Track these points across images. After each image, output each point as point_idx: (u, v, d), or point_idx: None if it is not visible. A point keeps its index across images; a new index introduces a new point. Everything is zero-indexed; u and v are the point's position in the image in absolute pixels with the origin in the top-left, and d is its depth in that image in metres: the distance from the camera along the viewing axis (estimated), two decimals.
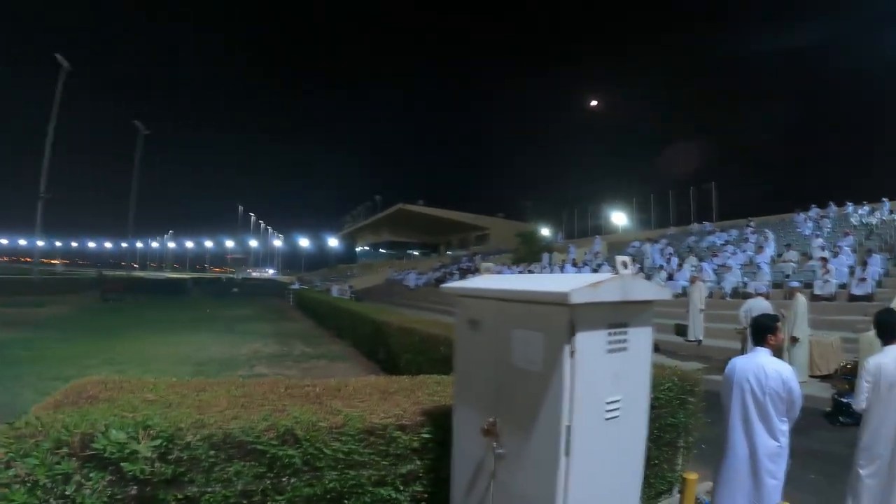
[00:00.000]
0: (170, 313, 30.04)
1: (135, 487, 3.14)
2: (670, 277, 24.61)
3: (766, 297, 15.04)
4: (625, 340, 2.91)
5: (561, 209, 59.57)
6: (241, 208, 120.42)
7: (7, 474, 2.84)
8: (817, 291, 18.32)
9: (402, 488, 3.87)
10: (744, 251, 26.01)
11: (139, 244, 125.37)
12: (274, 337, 20.61)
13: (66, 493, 2.95)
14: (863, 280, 17.62)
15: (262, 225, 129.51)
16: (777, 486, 4.53)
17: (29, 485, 2.86)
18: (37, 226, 51.17)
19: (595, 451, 2.82)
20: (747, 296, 15.60)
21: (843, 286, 18.49)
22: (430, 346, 9.46)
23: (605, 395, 2.84)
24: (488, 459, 3.21)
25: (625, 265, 2.87)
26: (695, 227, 38.51)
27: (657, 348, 17.19)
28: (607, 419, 2.86)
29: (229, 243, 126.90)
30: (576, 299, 2.58)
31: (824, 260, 19.01)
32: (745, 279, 21.41)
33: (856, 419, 5.34)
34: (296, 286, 52.87)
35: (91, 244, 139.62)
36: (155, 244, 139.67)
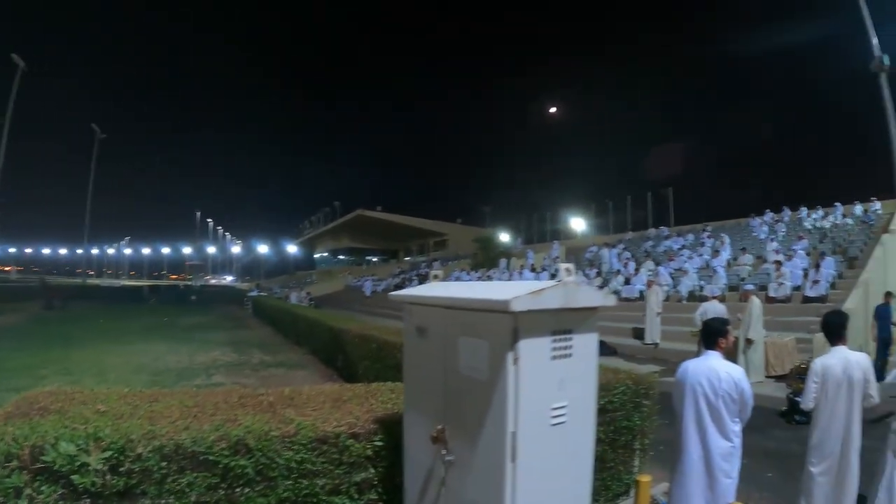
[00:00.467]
0: (126, 322, 29.37)
1: (87, 500, 3.11)
2: (627, 282, 25.00)
3: (721, 300, 15.33)
4: (569, 347, 2.92)
5: (520, 215, 60.04)
6: (198, 214, 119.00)
7: None
8: (772, 294, 18.70)
9: (356, 497, 3.86)
10: (700, 255, 26.49)
11: (95, 250, 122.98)
12: (232, 345, 20.34)
13: None
14: (816, 282, 18.00)
15: (221, 231, 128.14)
16: (731, 484, 4.62)
17: None
18: None
19: (542, 456, 2.83)
20: (703, 299, 15.86)
21: (797, 288, 18.91)
22: (388, 353, 9.42)
23: (551, 400, 2.85)
24: (438, 466, 3.22)
25: (568, 272, 2.89)
26: (652, 231, 38.98)
27: (615, 352, 17.39)
28: (553, 424, 2.87)
29: (187, 250, 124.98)
30: (517, 307, 2.60)
31: (778, 263, 19.40)
32: (702, 283, 21.79)
33: (810, 418, 5.45)
34: (254, 293, 52.15)
35: (45, 250, 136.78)
36: (111, 250, 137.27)
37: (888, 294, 14.31)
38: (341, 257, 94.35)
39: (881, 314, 13.73)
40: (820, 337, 10.10)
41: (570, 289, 2.85)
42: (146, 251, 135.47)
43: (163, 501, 3.28)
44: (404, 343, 3.81)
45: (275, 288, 68.86)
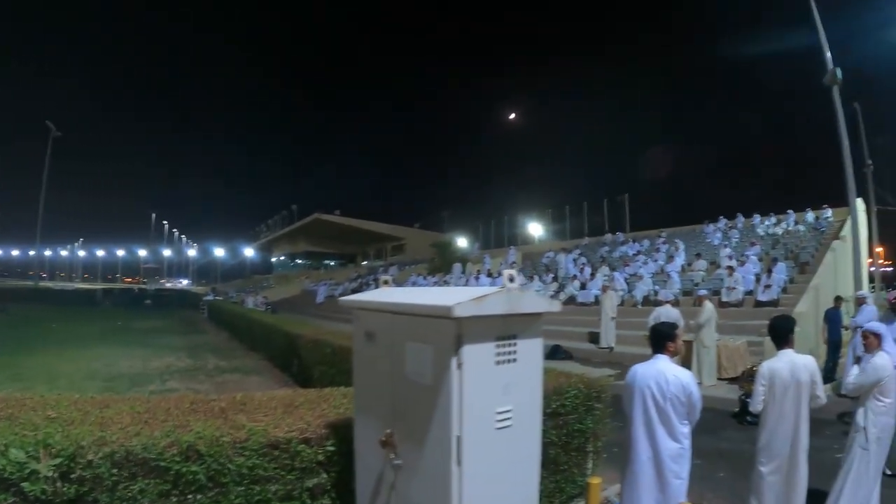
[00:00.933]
0: (79, 326, 28.76)
1: None
2: (583, 287, 25.25)
3: (674, 304, 15.53)
4: (514, 352, 2.96)
5: (478, 220, 60.05)
6: (154, 216, 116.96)
7: None
8: (725, 298, 19.14)
9: (309, 502, 3.84)
10: (655, 261, 26.93)
11: (48, 252, 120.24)
12: (187, 350, 20.05)
13: None
14: (768, 287, 18.48)
15: (177, 234, 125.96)
16: (681, 485, 4.68)
17: None
18: None
19: (487, 459, 2.86)
20: (658, 304, 16.06)
21: (749, 293, 19.39)
22: (342, 357, 9.34)
23: (496, 405, 2.89)
24: (388, 471, 3.23)
25: (511, 279, 2.94)
26: (608, 237, 39.46)
27: (570, 356, 17.53)
28: (499, 428, 2.90)
29: (142, 252, 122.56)
30: (460, 313, 2.63)
31: (731, 269, 19.81)
32: (656, 287, 22.14)
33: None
34: (210, 297, 51.57)
35: None
36: (64, 252, 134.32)
37: (838, 298, 14.78)
38: (299, 261, 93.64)
39: (831, 318, 14.14)
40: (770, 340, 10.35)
41: (513, 295, 2.90)
42: (100, 253, 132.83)
43: None
44: (354, 348, 3.82)
45: (230, 292, 68.04)
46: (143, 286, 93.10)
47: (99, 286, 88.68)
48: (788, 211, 30.39)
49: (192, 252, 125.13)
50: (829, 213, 28.41)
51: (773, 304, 18.04)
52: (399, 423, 3.19)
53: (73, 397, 4.70)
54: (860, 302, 13.23)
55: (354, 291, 36.06)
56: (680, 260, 25.75)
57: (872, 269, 33.35)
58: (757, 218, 31.23)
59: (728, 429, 10.11)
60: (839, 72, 17.48)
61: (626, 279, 24.38)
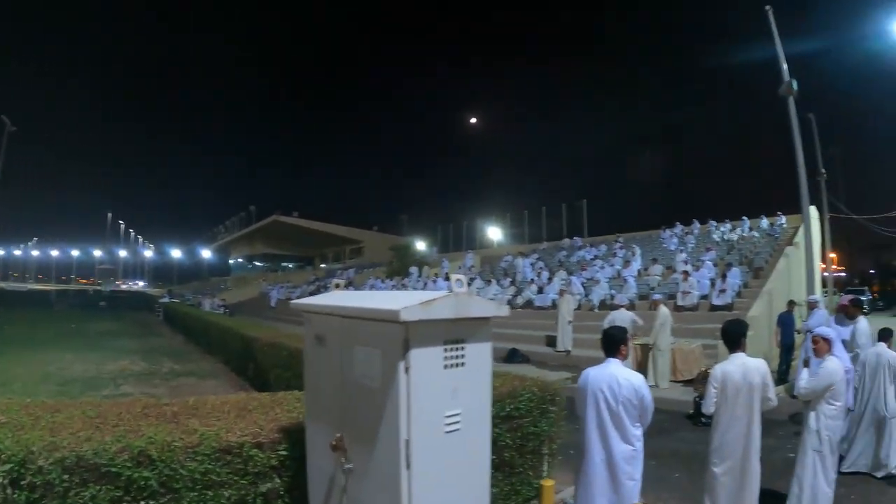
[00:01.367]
0: (32, 328, 28.18)
1: None
2: (541, 291, 25.37)
3: (630, 308, 15.70)
4: (462, 356, 3.00)
5: (436, 223, 60.04)
6: (110, 216, 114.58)
7: None
8: (680, 303, 19.45)
9: None
10: (612, 265, 27.20)
11: (0, 252, 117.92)
12: (142, 354, 19.73)
13: None
14: (723, 291, 18.80)
15: (133, 234, 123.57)
16: (635, 486, 4.74)
17: None
18: None
19: (437, 463, 2.89)
20: (614, 308, 16.21)
21: (704, 297, 19.68)
22: (298, 361, 9.24)
23: (444, 409, 2.92)
24: (339, 475, 3.23)
25: (459, 283, 2.97)
26: (566, 242, 39.62)
27: (527, 359, 17.63)
28: (447, 432, 2.94)
29: (97, 253, 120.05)
30: (406, 317, 2.66)
31: (686, 273, 20.07)
32: (613, 292, 22.30)
33: None
34: (166, 299, 50.87)
35: None
36: (18, 252, 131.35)
37: (791, 303, 15.18)
38: (257, 263, 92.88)
39: (784, 322, 14.48)
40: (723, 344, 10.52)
41: (461, 300, 2.93)
42: (55, 253, 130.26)
43: None
44: (304, 352, 3.82)
45: (187, 294, 67.18)
46: (99, 287, 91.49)
47: (53, 287, 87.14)
48: (743, 217, 31.03)
49: (148, 253, 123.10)
50: (783, 220, 29.03)
51: (728, 308, 18.37)
52: (349, 427, 3.19)
53: (23, 402, 4.63)
54: (812, 306, 13.56)
55: (312, 294, 35.92)
56: (636, 265, 26.03)
57: (826, 274, 34.18)
58: (713, 224, 31.86)
59: (683, 430, 10.28)
60: (795, 83, 17.78)
61: (583, 283, 24.55)
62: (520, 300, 25.89)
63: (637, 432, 4.76)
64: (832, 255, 41.55)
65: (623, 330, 5.22)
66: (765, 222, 29.63)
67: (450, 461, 2.98)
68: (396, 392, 2.75)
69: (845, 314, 10.39)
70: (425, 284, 33.36)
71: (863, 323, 9.23)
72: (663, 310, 14.14)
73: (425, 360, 2.83)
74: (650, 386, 12.86)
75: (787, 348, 14.29)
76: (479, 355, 3.12)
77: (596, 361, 4.97)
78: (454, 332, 2.97)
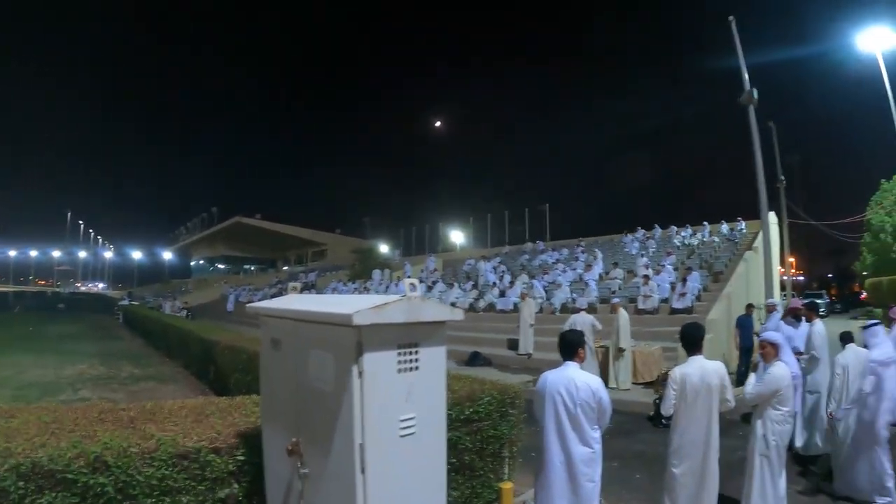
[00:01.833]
0: None
1: None
2: (503, 294, 25.54)
3: (591, 311, 15.87)
4: (416, 360, 3.03)
5: (399, 226, 60.12)
6: (69, 215, 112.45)
7: None
8: (641, 306, 19.77)
9: None
10: (574, 269, 27.53)
11: None
12: (101, 357, 19.34)
13: None
14: (683, 295, 19.13)
15: (93, 234, 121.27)
16: (594, 488, 4.79)
17: None
18: None
19: (392, 467, 2.91)
20: (576, 311, 16.31)
21: (665, 301, 20.00)
22: (258, 365, 9.25)
23: (398, 412, 2.94)
24: (296, 480, 3.23)
25: (413, 287, 3.01)
26: (528, 246, 40.05)
27: (489, 362, 17.70)
28: (402, 436, 2.96)
29: (56, 253, 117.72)
30: (359, 321, 2.68)
31: (647, 277, 20.40)
32: (574, 295, 22.49)
33: None
34: (125, 302, 50.22)
35: None
36: None
37: (749, 306, 15.52)
38: (219, 266, 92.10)
39: (743, 324, 14.74)
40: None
41: (414, 303, 2.96)
42: (12, 253, 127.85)
43: None
44: (261, 355, 3.86)
45: (147, 296, 66.43)
46: (58, 289, 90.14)
47: (10, 288, 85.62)
48: (704, 223, 31.76)
49: (108, 254, 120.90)
50: (742, 225, 29.71)
51: (688, 311, 18.72)
52: (305, 432, 3.20)
53: None
54: (770, 309, 13.90)
55: (275, 297, 35.75)
56: (598, 269, 26.34)
57: (784, 278, 34.83)
58: (674, 229, 32.44)
59: (644, 431, 10.42)
60: (755, 92, 18.08)
61: (545, 287, 24.84)
62: (482, 304, 26.08)
63: (595, 434, 4.80)
64: (791, 260, 42.46)
65: (580, 333, 5.28)
66: (725, 227, 30.25)
67: (405, 465, 3.00)
68: (350, 396, 2.77)
69: (794, 317, 10.56)
70: (387, 287, 33.35)
71: (819, 326, 9.37)
72: (623, 313, 14.40)
73: (379, 364, 2.85)
74: (612, 388, 13.08)
75: (745, 350, 14.49)
76: (434, 359, 3.15)
77: (558, 364, 5.01)
78: (408, 336, 2.99)
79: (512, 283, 26.85)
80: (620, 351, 14.01)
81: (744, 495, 5.91)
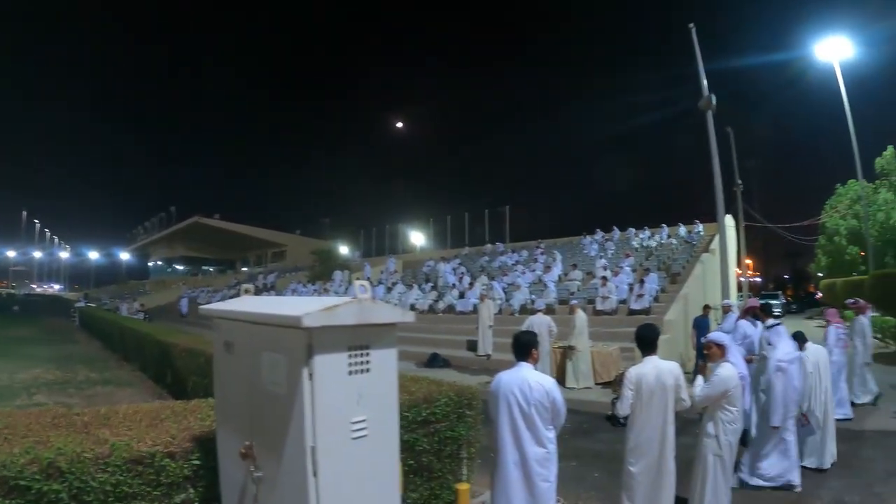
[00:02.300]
0: None
1: None
2: (462, 295, 25.64)
3: (548, 312, 16.00)
4: (367, 362, 3.06)
5: (359, 227, 60.13)
6: (25, 214, 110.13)
7: None
8: (599, 307, 20.04)
9: None
10: (533, 271, 27.80)
11: None
12: (56, 361, 18.95)
13: None
14: (641, 296, 19.46)
15: (49, 234, 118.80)
16: (550, 488, 4.83)
17: None
18: None
19: (344, 469, 2.94)
20: (534, 312, 16.37)
21: (623, 302, 20.33)
22: None
23: (350, 415, 2.97)
24: (250, 483, 3.23)
25: (363, 289, 3.04)
26: (488, 247, 40.29)
27: (448, 364, 17.76)
28: (354, 438, 2.98)
29: (10, 254, 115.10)
30: (309, 323, 2.70)
31: (605, 279, 20.66)
32: (533, 297, 22.77)
33: None
34: (82, 303, 49.41)
35: None
36: None
37: (706, 307, 15.87)
38: (178, 267, 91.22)
39: (700, 325, 15.03)
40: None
41: (365, 306, 2.99)
42: None
43: None
44: (214, 358, 3.83)
45: (104, 298, 65.48)
46: (12, 291, 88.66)
47: None
48: (662, 225, 32.30)
49: (64, 254, 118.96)
50: (700, 227, 30.34)
51: (645, 312, 19.09)
52: (258, 435, 3.21)
53: None
54: (726, 310, 14.29)
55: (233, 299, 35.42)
56: (557, 270, 26.65)
57: (741, 279, 35.40)
58: (632, 231, 33.09)
59: (602, 431, 10.59)
60: (714, 98, 18.37)
61: (504, 288, 25.08)
62: (441, 305, 26.18)
63: (550, 434, 4.85)
64: (748, 262, 43.18)
65: (533, 334, 5.33)
66: (682, 230, 30.81)
67: (358, 467, 3.03)
68: (301, 398, 2.78)
69: (753, 315, 10.73)
70: (347, 289, 33.27)
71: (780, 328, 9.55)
72: (580, 314, 14.62)
73: (329, 367, 2.87)
74: (570, 388, 13.18)
75: (702, 351, 14.65)
76: (385, 361, 3.18)
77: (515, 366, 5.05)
78: (359, 339, 3.02)
79: (471, 284, 27.03)
80: (571, 349, 14.21)
81: (696, 495, 6.00)
